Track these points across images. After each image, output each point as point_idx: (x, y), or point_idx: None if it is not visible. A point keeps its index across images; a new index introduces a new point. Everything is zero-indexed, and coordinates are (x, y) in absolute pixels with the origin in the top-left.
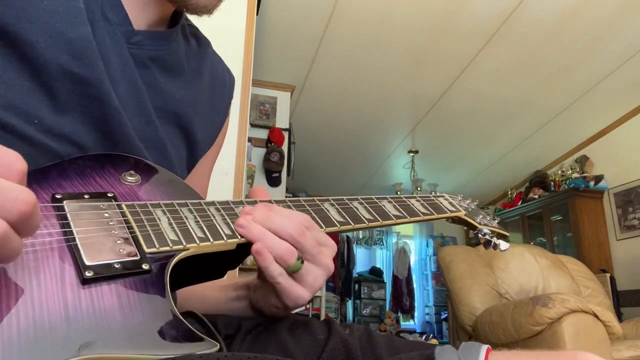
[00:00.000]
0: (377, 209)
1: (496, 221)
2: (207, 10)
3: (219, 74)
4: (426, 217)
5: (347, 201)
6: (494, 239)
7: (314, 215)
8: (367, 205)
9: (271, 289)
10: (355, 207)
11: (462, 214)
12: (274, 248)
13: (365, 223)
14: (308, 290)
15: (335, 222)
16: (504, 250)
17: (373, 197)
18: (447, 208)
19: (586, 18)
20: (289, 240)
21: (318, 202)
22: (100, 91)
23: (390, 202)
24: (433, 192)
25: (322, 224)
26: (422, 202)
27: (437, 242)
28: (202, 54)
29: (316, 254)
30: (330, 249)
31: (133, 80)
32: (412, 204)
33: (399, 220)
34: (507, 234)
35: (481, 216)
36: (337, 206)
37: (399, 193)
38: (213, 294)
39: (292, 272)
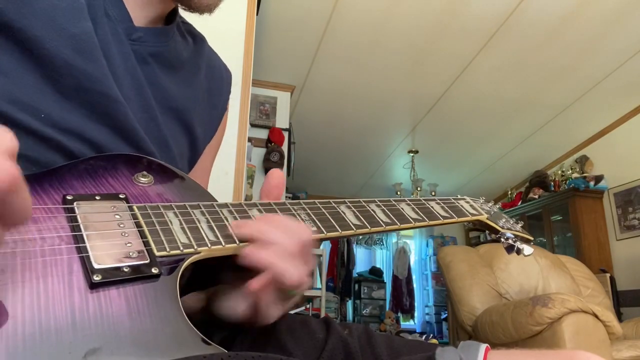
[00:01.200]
0: (395, 212)
1: (519, 225)
2: (209, 8)
3: (216, 70)
4: (446, 221)
5: (364, 204)
6: (517, 244)
7: (330, 217)
8: (384, 208)
9: (241, 299)
10: (372, 209)
11: (484, 217)
12: (286, 270)
13: (382, 226)
14: (281, 313)
15: (351, 225)
16: (528, 255)
17: (391, 199)
18: (468, 211)
19: (586, 18)
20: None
21: (334, 204)
22: (105, 86)
23: (409, 204)
24: (458, 195)
25: (337, 227)
26: (442, 204)
27: (437, 242)
28: (198, 50)
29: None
30: (310, 268)
31: (135, 76)
32: (432, 207)
33: (417, 224)
34: (531, 238)
35: (504, 220)
36: (353, 209)
37: (399, 193)
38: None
39: (285, 297)
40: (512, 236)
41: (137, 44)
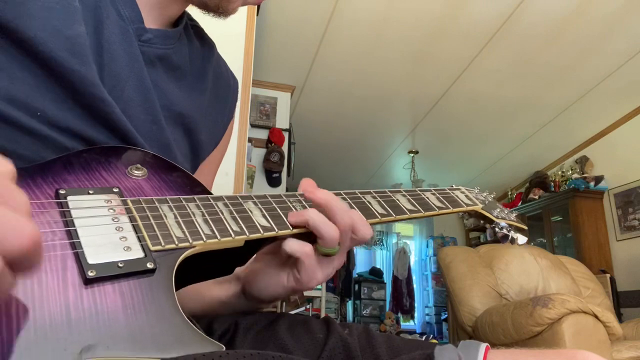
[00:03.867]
0: (391, 203)
1: (514, 214)
2: (233, 13)
3: (223, 77)
4: (441, 212)
5: (360, 195)
6: (512, 233)
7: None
8: (380, 199)
9: (279, 269)
10: (368, 201)
11: (478, 207)
12: (325, 227)
13: (378, 218)
14: (324, 276)
15: None
16: (522, 245)
17: (386, 190)
18: (463, 201)
19: (586, 18)
20: (341, 224)
21: None
22: (98, 90)
23: (404, 195)
24: (453, 185)
25: None
26: (438, 195)
27: (437, 243)
28: (207, 56)
29: (349, 245)
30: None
31: (141, 78)
32: (427, 198)
33: (413, 215)
34: (525, 227)
35: (498, 209)
36: (349, 200)
37: None
38: (207, 289)
39: (324, 255)
40: (507, 225)
41: (146, 45)
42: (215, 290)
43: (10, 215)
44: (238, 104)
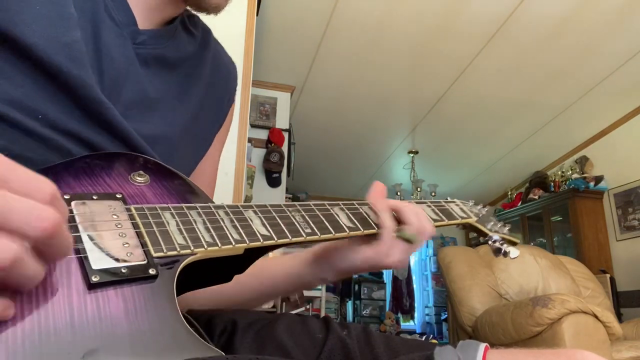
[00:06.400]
0: None
1: (507, 228)
2: (217, 9)
3: (222, 63)
4: (437, 224)
5: (357, 206)
6: (504, 247)
7: (324, 219)
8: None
9: (352, 251)
10: (365, 212)
11: (472, 220)
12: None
13: (375, 229)
14: (399, 258)
15: (344, 227)
16: (514, 258)
17: None
18: (457, 214)
19: (586, 19)
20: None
21: (328, 207)
22: (97, 93)
23: None
24: (448, 197)
25: (331, 229)
26: (433, 207)
27: (437, 243)
28: (204, 43)
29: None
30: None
31: (139, 79)
32: (423, 210)
33: None
34: (518, 241)
35: (492, 223)
36: (347, 211)
37: (399, 194)
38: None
39: (404, 239)
40: (499, 239)
41: (141, 47)
42: (281, 261)
43: (31, 203)
44: (237, 102)
